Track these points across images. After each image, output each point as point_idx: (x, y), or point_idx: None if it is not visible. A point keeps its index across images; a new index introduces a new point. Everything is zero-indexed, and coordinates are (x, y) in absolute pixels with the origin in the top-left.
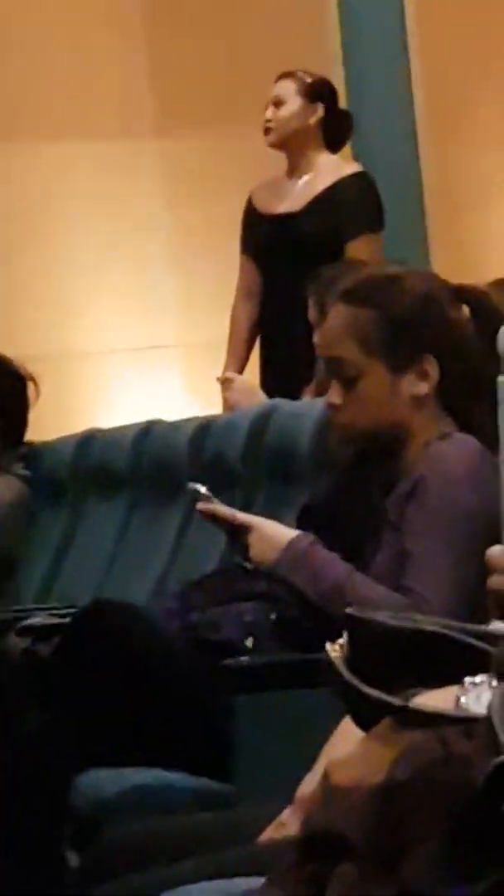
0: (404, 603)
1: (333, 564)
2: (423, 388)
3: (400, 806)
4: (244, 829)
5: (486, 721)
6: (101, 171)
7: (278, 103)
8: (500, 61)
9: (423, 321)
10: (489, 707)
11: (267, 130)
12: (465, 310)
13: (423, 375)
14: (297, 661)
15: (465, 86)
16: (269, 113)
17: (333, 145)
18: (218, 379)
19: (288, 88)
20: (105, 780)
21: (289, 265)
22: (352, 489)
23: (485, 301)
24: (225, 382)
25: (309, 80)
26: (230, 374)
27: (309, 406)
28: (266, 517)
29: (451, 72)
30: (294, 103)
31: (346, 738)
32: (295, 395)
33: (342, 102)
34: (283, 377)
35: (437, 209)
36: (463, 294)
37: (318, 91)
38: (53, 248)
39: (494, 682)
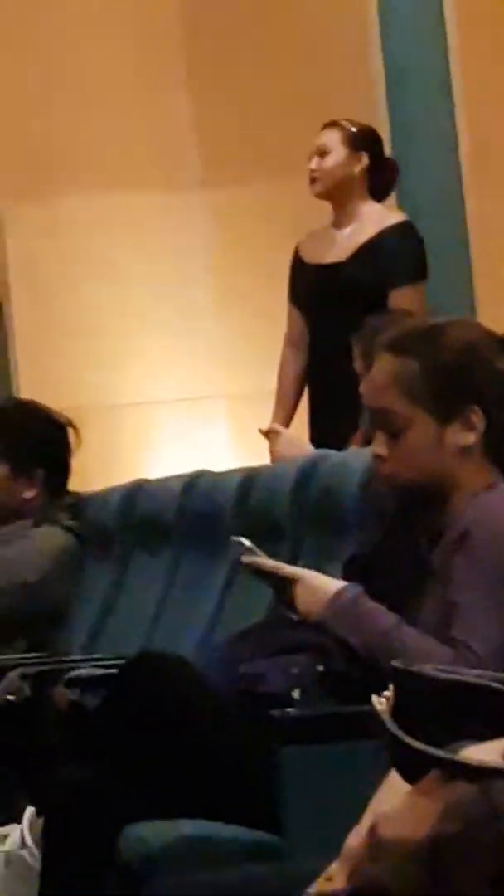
0: (451, 655)
1: (380, 615)
2: (469, 438)
3: (446, 861)
4: (292, 882)
5: None
6: (146, 222)
7: (323, 153)
8: None
9: (467, 371)
10: None
11: (313, 180)
12: None
13: (469, 426)
14: (345, 713)
15: None
16: (315, 163)
17: (379, 194)
18: (261, 431)
19: (333, 138)
20: (152, 832)
21: (335, 315)
22: (398, 540)
23: None
24: (270, 434)
25: (354, 129)
26: (275, 427)
27: (355, 456)
28: (313, 568)
29: (495, 120)
30: (339, 153)
31: (393, 791)
32: (343, 446)
33: (387, 151)
34: (330, 427)
35: (483, 258)
36: None
37: (363, 140)
38: (99, 300)
39: None
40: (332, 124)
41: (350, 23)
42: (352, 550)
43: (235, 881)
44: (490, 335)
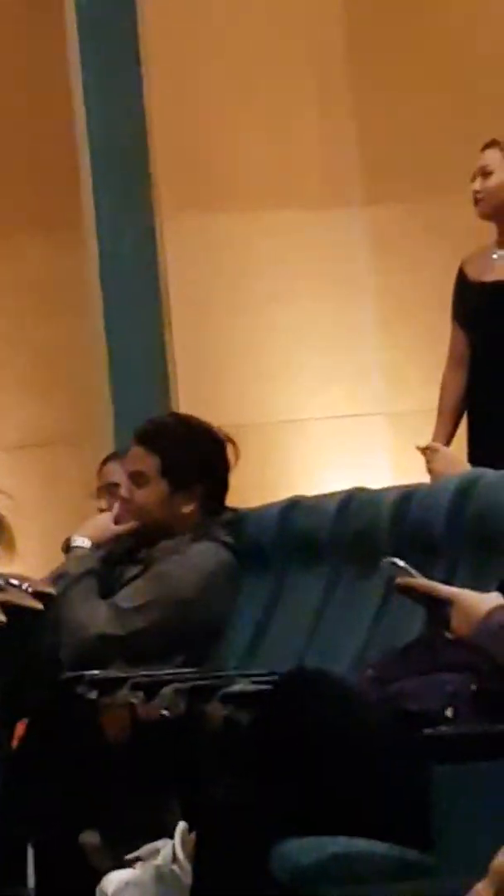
0: None
1: None
2: None
3: None
4: None
5: None
6: (306, 239)
7: (486, 173)
8: None
9: None
10: None
11: (477, 201)
12: None
13: None
14: (498, 732)
15: None
16: (478, 184)
17: None
18: (419, 448)
19: (495, 158)
20: (304, 849)
21: (498, 333)
22: None
23: None
24: (428, 451)
25: None
26: (433, 444)
27: None
28: (469, 587)
29: None
30: (502, 172)
31: None
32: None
33: None
34: (491, 448)
35: None
36: None
37: None
38: (258, 316)
39: None
40: (494, 143)
41: None
42: None
43: None
44: None
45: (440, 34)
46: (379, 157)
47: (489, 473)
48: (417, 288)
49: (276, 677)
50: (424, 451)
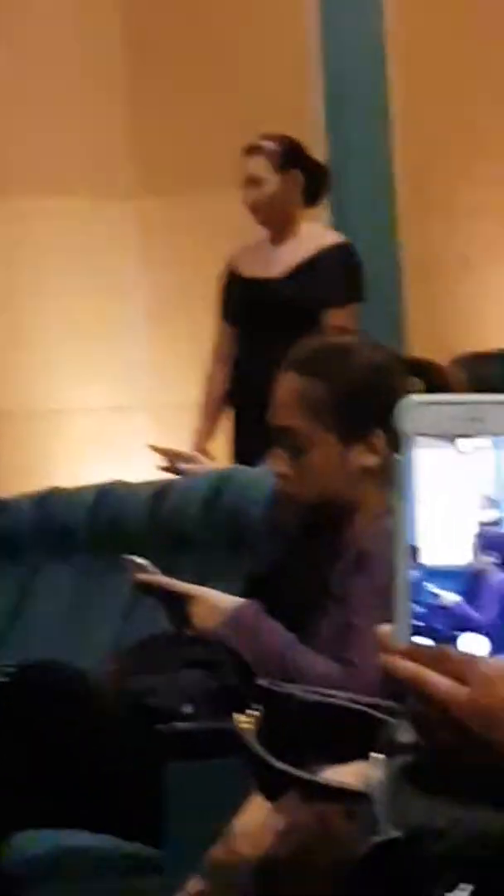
0: (343, 675)
1: (276, 634)
2: (372, 460)
3: (278, 884)
4: (169, 895)
5: (369, 801)
6: (77, 231)
7: (257, 182)
8: (480, 133)
9: (373, 394)
10: (370, 786)
11: (254, 212)
12: (418, 383)
13: (372, 448)
14: (233, 728)
15: (446, 155)
16: (252, 195)
17: (313, 199)
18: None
19: (261, 165)
20: (34, 841)
21: (265, 331)
22: (298, 559)
23: (437, 375)
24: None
25: (278, 149)
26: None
27: (266, 473)
28: (220, 584)
29: (432, 142)
30: (273, 180)
31: (257, 808)
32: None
33: None
34: (253, 445)
35: (416, 282)
36: (417, 367)
37: (291, 157)
38: (24, 305)
39: (379, 763)
40: (255, 150)
41: (290, 41)
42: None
43: (114, 892)
44: (396, 358)
45: (216, 31)
46: (150, 150)
47: (244, 471)
48: (185, 282)
49: (17, 668)
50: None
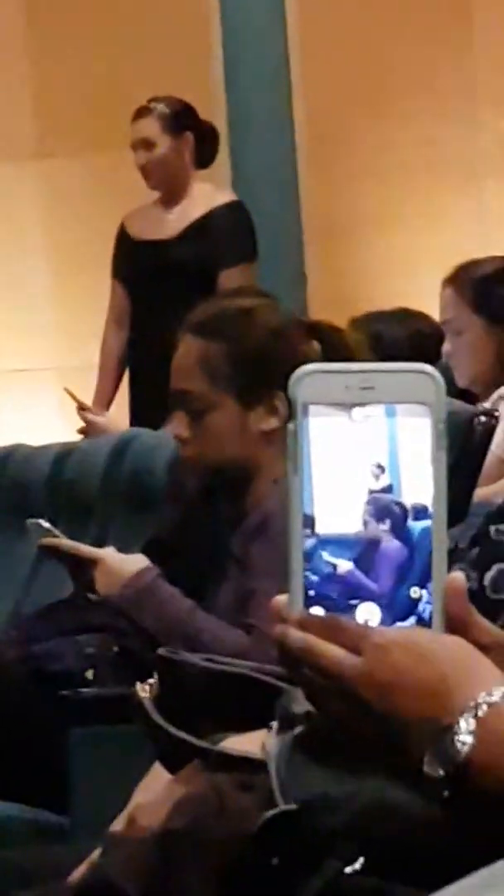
0: (246, 641)
1: (175, 600)
2: (273, 423)
3: (173, 857)
4: (74, 863)
5: (265, 772)
6: None
7: (148, 145)
8: (380, 91)
9: (273, 356)
10: (267, 759)
11: (146, 175)
12: (318, 346)
13: (273, 411)
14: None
15: (345, 114)
16: (143, 157)
17: (204, 162)
18: (74, 400)
19: (153, 127)
20: None
21: (160, 293)
22: (198, 522)
23: (338, 338)
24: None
25: (169, 111)
26: (90, 417)
27: (167, 437)
28: (121, 546)
29: (331, 100)
30: (164, 142)
31: (158, 779)
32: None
33: (224, 133)
34: (151, 406)
35: (316, 238)
36: (316, 330)
37: (182, 119)
38: None
39: (275, 734)
40: (146, 111)
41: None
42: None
43: (17, 860)
44: (297, 321)
45: None
46: (51, 111)
47: (144, 433)
48: (89, 243)
49: None
50: (80, 409)
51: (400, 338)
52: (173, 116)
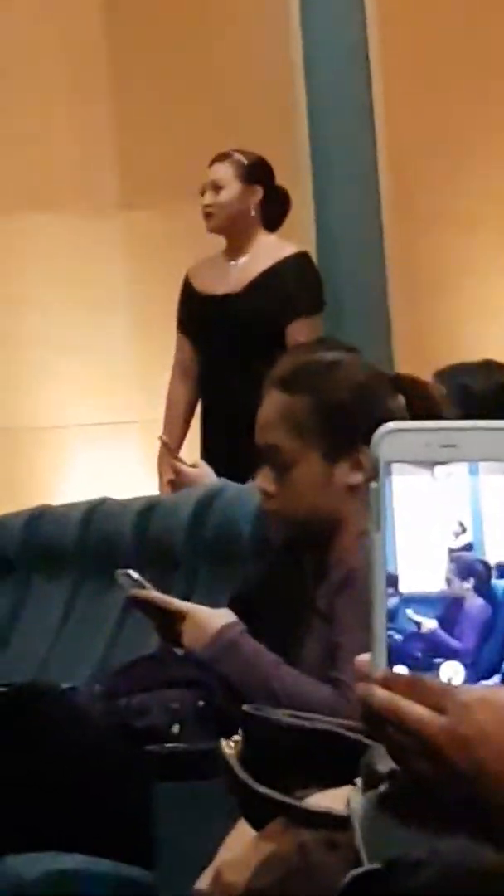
0: (332, 696)
1: (261, 656)
2: (357, 477)
3: None
4: None
5: (349, 830)
6: (60, 244)
7: (217, 188)
8: (463, 145)
9: (358, 410)
10: (352, 817)
11: (208, 216)
12: (402, 400)
13: (357, 465)
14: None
15: (430, 168)
16: (209, 198)
17: (271, 224)
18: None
19: (226, 172)
20: (25, 866)
21: (226, 347)
22: (284, 576)
23: (422, 391)
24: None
25: (245, 161)
26: (181, 467)
27: (253, 490)
28: (207, 600)
29: (416, 154)
30: (233, 188)
31: (243, 835)
32: (232, 478)
33: (309, 182)
34: (222, 460)
35: (400, 292)
36: (400, 383)
37: (256, 173)
38: (11, 321)
39: (359, 791)
40: (224, 157)
41: (273, 53)
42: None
43: None
44: (380, 374)
45: (202, 43)
46: (136, 162)
47: (231, 487)
48: (171, 295)
49: (5, 689)
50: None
51: (486, 390)
52: (248, 166)
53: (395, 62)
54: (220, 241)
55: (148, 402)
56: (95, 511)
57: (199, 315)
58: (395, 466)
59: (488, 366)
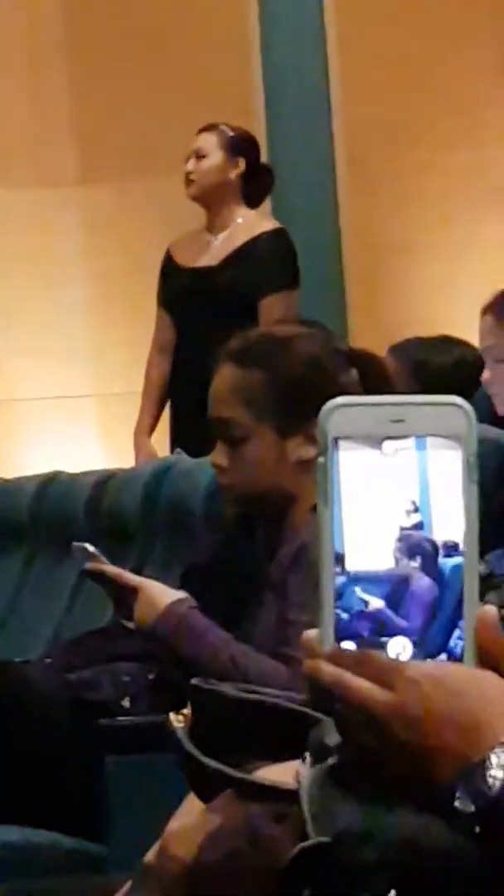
0: (287, 673)
1: (211, 632)
2: (310, 452)
3: (204, 889)
4: (111, 892)
5: (298, 803)
6: (17, 218)
7: (200, 156)
8: (420, 116)
9: (311, 384)
10: (300, 791)
11: (188, 182)
12: (356, 375)
13: (311, 440)
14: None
15: (386, 140)
16: (191, 165)
17: (253, 200)
18: None
19: (210, 141)
20: None
21: (204, 319)
22: (236, 550)
23: (375, 366)
24: None
25: (231, 133)
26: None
27: (206, 464)
28: (160, 574)
29: (371, 126)
30: (216, 156)
31: (191, 808)
32: (205, 452)
33: (263, 156)
34: (193, 433)
35: (356, 267)
36: (354, 358)
37: (241, 145)
38: None
39: (308, 765)
40: (211, 127)
41: (230, 29)
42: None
43: (55, 889)
44: (335, 349)
45: (159, 17)
46: (92, 137)
47: (185, 461)
48: (128, 270)
49: None
50: None
51: (444, 366)
52: (234, 139)
53: (353, 34)
54: (182, 216)
55: (103, 376)
56: (49, 484)
57: (177, 288)
58: (343, 442)
59: (445, 341)
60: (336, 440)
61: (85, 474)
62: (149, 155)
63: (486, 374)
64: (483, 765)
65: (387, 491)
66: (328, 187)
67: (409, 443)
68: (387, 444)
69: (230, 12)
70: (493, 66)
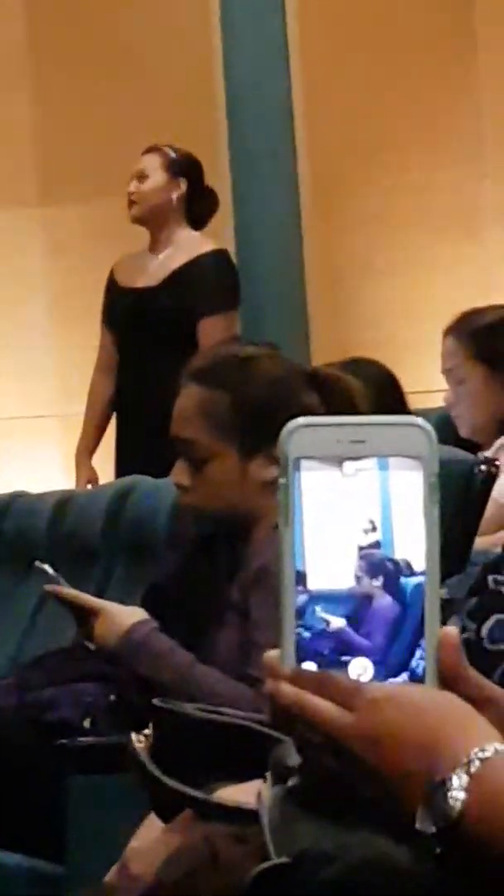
0: (250, 694)
1: (173, 654)
2: (273, 472)
3: None
4: None
5: (258, 824)
6: None
7: (142, 177)
8: (381, 139)
9: (274, 405)
10: (261, 811)
11: (130, 204)
12: (317, 395)
13: (273, 460)
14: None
15: (349, 164)
16: (133, 186)
17: (197, 222)
18: None
19: (153, 163)
20: None
21: (144, 340)
22: (198, 570)
23: (336, 385)
24: None
25: (173, 154)
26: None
27: (168, 484)
28: (123, 594)
29: (333, 149)
30: (157, 177)
31: (152, 828)
32: (148, 472)
33: (227, 179)
34: (135, 454)
35: (319, 290)
36: (317, 379)
37: (183, 167)
38: None
39: (268, 785)
40: (154, 149)
41: (193, 49)
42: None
43: None
44: (297, 369)
45: (122, 37)
46: (55, 157)
47: (146, 482)
48: (89, 291)
49: None
50: None
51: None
52: (174, 160)
53: (316, 56)
54: (141, 237)
55: (65, 396)
56: (11, 504)
57: (119, 308)
58: (304, 462)
59: (354, 364)
60: (297, 460)
61: (47, 494)
62: (111, 176)
63: (448, 396)
64: (444, 786)
65: (347, 511)
66: (291, 208)
67: (370, 463)
68: (347, 465)
69: (193, 34)
70: (456, 87)
